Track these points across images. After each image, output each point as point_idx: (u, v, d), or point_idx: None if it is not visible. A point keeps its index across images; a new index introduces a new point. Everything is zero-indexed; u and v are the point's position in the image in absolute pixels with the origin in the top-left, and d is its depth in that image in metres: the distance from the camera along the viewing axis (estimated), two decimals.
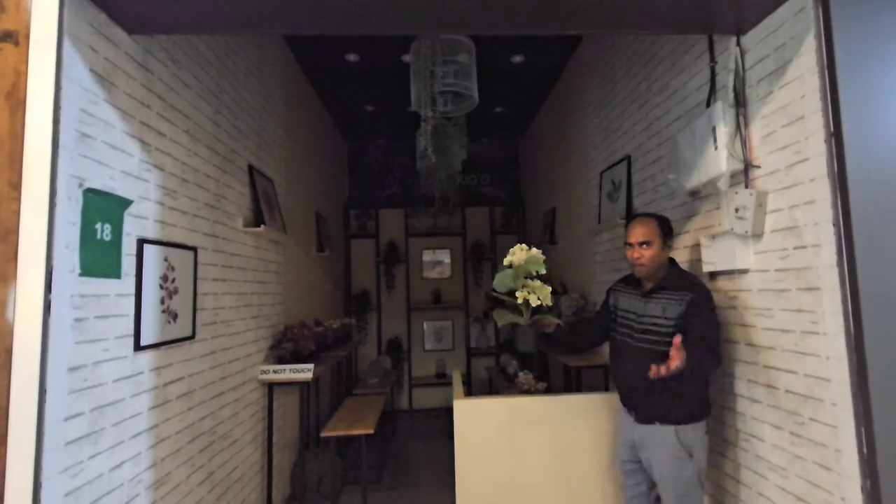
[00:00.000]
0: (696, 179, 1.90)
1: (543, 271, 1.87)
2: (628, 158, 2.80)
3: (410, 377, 5.66)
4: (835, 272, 1.33)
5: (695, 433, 1.74)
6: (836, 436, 1.37)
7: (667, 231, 1.85)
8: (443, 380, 5.52)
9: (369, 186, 5.98)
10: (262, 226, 2.62)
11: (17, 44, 1.21)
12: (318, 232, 4.30)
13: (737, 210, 1.72)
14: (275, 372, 2.71)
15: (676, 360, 1.50)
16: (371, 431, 2.81)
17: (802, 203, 1.48)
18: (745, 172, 1.74)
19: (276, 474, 2.89)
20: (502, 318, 1.94)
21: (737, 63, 1.77)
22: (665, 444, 1.75)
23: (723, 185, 1.75)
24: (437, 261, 5.93)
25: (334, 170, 5.32)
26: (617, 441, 2.01)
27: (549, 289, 1.90)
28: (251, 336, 2.66)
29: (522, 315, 1.90)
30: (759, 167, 1.70)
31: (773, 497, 1.67)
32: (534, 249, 1.87)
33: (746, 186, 1.73)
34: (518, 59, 3.85)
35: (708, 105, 1.92)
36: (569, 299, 3.49)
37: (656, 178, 2.47)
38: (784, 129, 1.56)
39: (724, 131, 1.73)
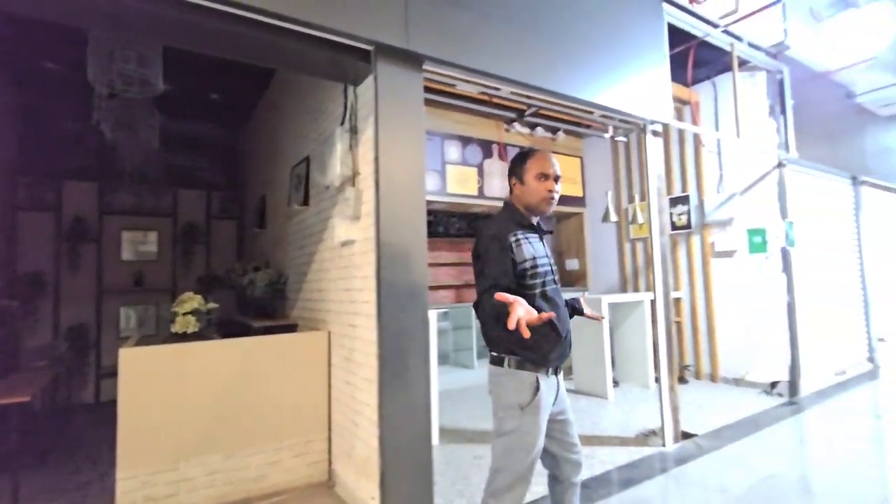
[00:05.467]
0: (327, 179, 2.74)
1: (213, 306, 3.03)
2: (307, 159, 3.55)
3: (99, 367, 5.19)
4: (374, 235, 2.30)
5: None
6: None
7: None
8: None
9: (52, 153, 5.19)
10: None
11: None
12: None
13: (346, 200, 2.61)
14: None
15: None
16: (27, 399, 2.73)
17: (373, 195, 2.43)
18: (353, 177, 2.65)
19: None
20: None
21: (352, 104, 2.67)
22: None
23: (337, 182, 2.62)
24: (141, 241, 5.61)
25: None
26: (544, 418, 1.67)
27: (193, 320, 2.88)
28: None
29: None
30: (359, 173, 2.63)
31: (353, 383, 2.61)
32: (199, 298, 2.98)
33: (353, 185, 2.64)
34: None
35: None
36: (264, 274, 4.05)
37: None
38: (367, 151, 2.50)
39: (340, 147, 2.60)
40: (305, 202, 3.48)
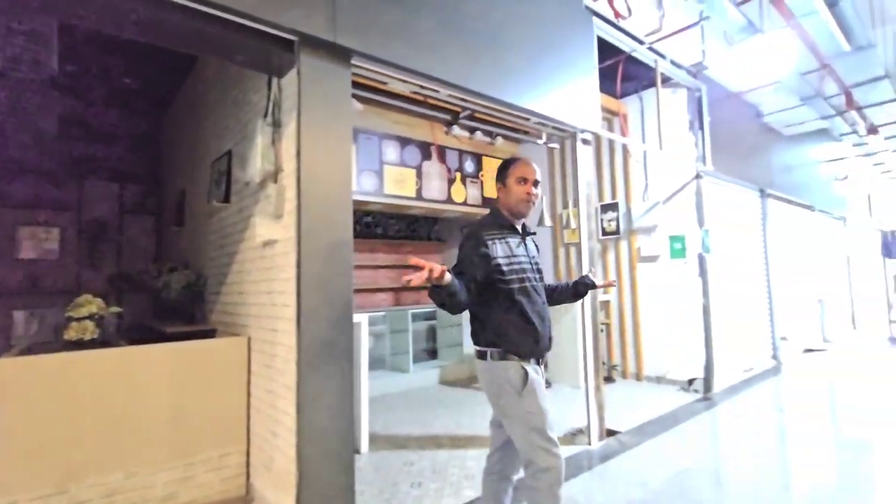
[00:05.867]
0: (248, 175, 2.57)
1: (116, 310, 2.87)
2: (230, 152, 3.33)
3: None
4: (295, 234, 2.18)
5: None
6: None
7: None
8: None
9: None
10: None
11: None
12: None
13: (268, 198, 2.46)
14: None
15: None
16: None
17: (295, 193, 2.30)
18: (276, 173, 2.50)
19: None
20: None
21: (275, 95, 2.53)
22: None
23: (257, 178, 2.46)
24: (41, 238, 5.04)
25: None
26: (543, 403, 1.77)
27: (92, 326, 2.67)
28: None
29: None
30: (283, 170, 2.49)
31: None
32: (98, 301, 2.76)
33: (276, 182, 2.50)
34: None
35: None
36: (180, 275, 3.76)
37: None
38: (291, 146, 2.37)
39: (261, 142, 2.45)
40: (226, 199, 3.26)
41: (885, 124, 6.72)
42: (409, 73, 2.62)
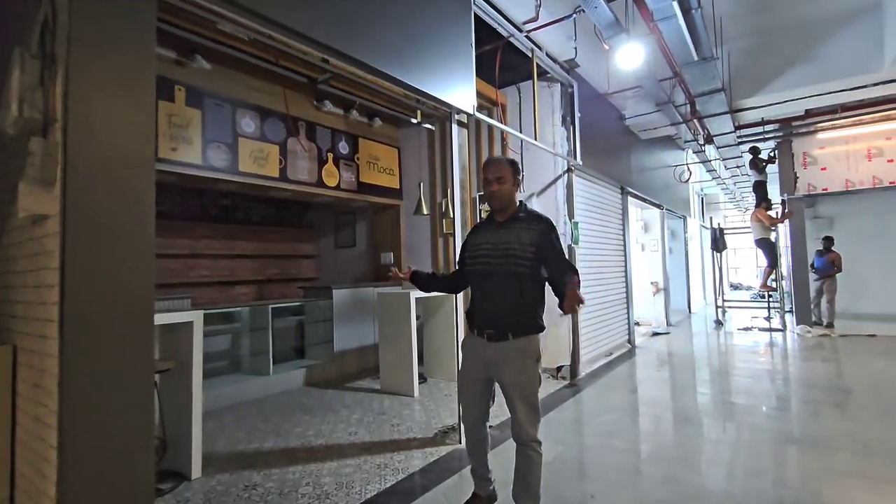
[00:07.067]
0: (3, 122, 1.86)
1: None
2: None
3: None
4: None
5: (537, 343, 2.11)
6: None
7: (516, 171, 2.19)
8: None
9: None
10: None
11: None
12: None
13: (32, 156, 1.79)
14: None
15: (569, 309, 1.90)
16: None
17: (62, 152, 1.69)
18: (45, 124, 1.84)
19: None
20: None
21: (47, 17, 1.85)
22: (517, 354, 2.06)
23: (12, 129, 1.78)
24: None
25: None
26: (468, 366, 2.20)
27: None
28: None
29: None
30: (57, 120, 1.83)
31: None
32: None
33: (44, 136, 1.84)
34: None
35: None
36: None
37: None
38: (61, 87, 1.74)
39: (17, 79, 1.77)
40: None
41: (719, 135, 7.68)
42: (242, 12, 2.11)
